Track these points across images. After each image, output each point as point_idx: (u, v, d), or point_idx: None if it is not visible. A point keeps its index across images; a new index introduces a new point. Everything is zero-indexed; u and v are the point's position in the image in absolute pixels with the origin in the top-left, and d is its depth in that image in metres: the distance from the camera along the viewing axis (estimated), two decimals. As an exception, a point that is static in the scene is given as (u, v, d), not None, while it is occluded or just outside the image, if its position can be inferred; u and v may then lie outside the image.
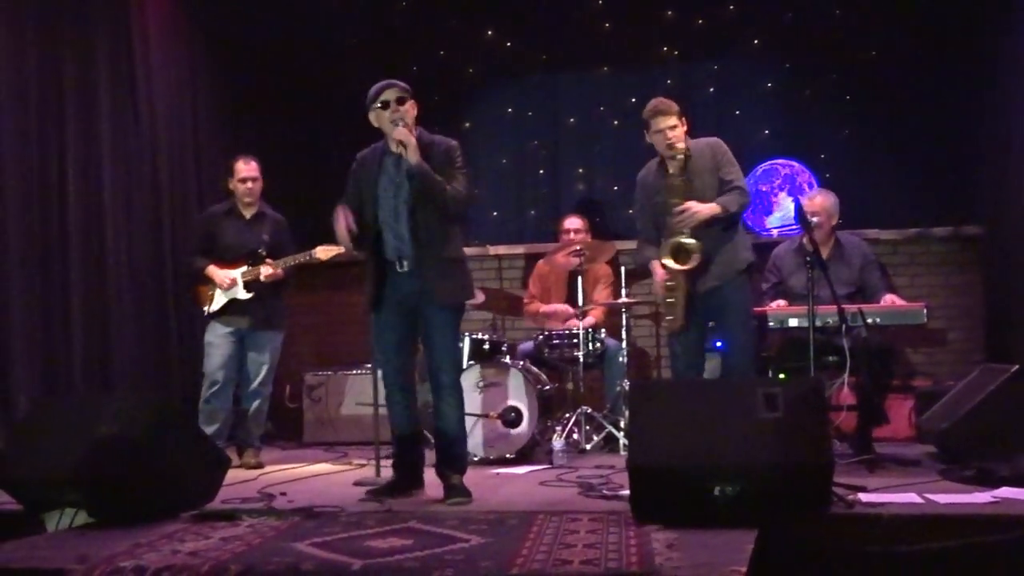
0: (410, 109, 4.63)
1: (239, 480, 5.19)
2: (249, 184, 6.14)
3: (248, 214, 6.19)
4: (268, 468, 5.84)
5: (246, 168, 6.15)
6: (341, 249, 5.99)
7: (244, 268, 6.04)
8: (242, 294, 6.04)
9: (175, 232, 6.91)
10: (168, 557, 3.32)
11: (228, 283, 6.02)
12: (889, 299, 5.65)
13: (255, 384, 6.11)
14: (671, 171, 5.20)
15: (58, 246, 6.00)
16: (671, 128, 5.18)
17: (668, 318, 5.25)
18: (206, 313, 6.11)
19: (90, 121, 6.30)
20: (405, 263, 4.64)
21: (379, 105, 4.62)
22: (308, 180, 7.85)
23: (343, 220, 4.61)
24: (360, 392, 6.98)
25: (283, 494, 4.75)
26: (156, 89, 6.92)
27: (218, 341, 6.05)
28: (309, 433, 7.42)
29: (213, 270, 6.06)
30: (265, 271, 5.98)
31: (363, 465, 5.81)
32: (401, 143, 4.50)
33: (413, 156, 4.50)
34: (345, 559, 3.24)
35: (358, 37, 8.14)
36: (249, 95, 7.92)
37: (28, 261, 5.76)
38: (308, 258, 6.02)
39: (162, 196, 6.91)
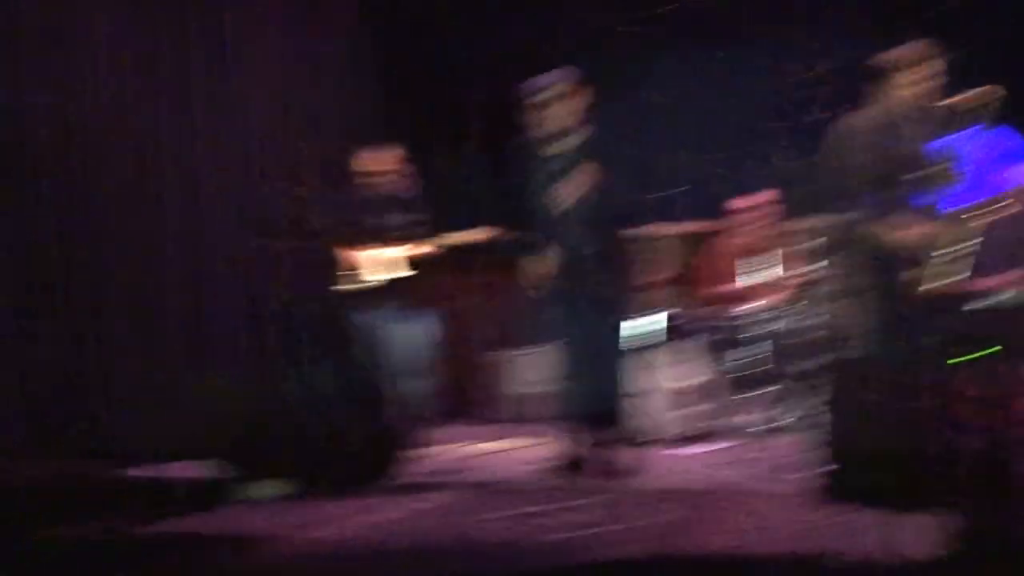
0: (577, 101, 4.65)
1: (420, 456, 5.27)
2: (376, 179, 6.04)
3: (389, 196, 6.06)
4: (447, 444, 5.90)
5: (374, 161, 6.04)
6: (482, 235, 5.93)
7: (380, 250, 6.03)
8: (381, 276, 6.04)
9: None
10: (354, 528, 3.42)
11: (363, 262, 6.04)
12: None
13: (411, 366, 6.12)
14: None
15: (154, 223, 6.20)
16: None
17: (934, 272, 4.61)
18: (342, 293, 6.16)
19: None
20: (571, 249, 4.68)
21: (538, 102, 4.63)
22: (450, 160, 7.81)
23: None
24: (540, 370, 6.98)
25: (463, 470, 4.79)
26: (252, 72, 6.90)
27: (367, 325, 6.08)
28: (490, 411, 7.49)
29: (346, 251, 6.10)
30: (395, 253, 5.94)
31: (543, 443, 5.81)
32: None
33: None
34: (524, 535, 3.25)
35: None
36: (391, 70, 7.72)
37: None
38: (442, 244, 5.97)
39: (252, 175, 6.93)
